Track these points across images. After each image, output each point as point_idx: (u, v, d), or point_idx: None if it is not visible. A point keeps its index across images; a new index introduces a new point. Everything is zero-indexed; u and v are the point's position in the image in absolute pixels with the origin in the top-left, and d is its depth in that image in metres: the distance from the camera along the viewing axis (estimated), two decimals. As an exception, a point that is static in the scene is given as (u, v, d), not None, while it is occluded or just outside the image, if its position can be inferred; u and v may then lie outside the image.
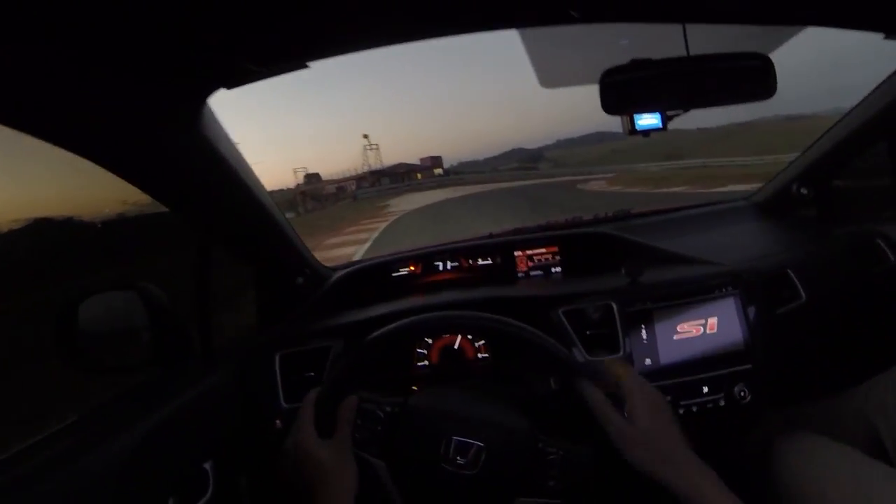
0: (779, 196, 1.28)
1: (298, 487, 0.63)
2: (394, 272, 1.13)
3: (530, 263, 1.15)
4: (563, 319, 0.88)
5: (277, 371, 0.88)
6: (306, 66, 0.68)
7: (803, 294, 0.98)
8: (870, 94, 1.09)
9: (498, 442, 0.66)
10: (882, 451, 0.85)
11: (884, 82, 1.05)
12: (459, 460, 0.66)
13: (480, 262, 1.15)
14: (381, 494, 0.67)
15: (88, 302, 0.84)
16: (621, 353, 0.86)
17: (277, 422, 0.86)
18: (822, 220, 1.24)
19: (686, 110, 0.78)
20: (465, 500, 0.67)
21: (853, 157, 1.19)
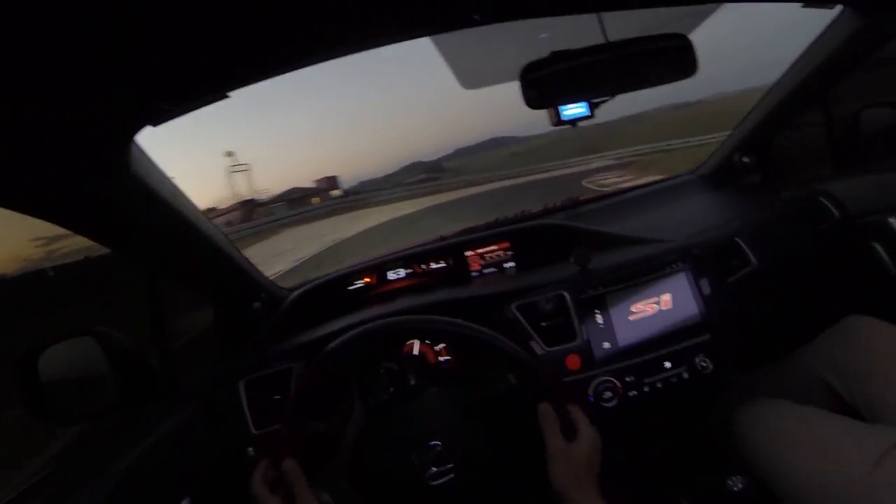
0: (723, 167, 1.31)
1: None
2: (349, 285, 1.13)
3: (483, 262, 1.16)
4: (518, 314, 0.89)
5: (243, 398, 0.87)
6: (227, 97, 0.68)
7: (754, 260, 1.00)
8: (797, 60, 1.13)
9: (473, 469, 0.70)
10: (839, 404, 0.89)
11: (808, 48, 1.09)
12: (432, 467, 0.67)
13: (434, 265, 1.15)
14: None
15: (48, 353, 0.84)
16: (578, 339, 0.87)
17: (249, 449, 0.86)
18: (766, 185, 1.28)
19: (613, 96, 0.80)
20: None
21: (789, 121, 1.23)
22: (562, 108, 0.75)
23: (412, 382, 0.89)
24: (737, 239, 1.02)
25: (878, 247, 1.17)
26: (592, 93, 0.76)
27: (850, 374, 0.88)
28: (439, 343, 0.94)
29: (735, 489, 0.87)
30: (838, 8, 0.96)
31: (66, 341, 0.85)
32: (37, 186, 0.59)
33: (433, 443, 0.71)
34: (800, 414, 0.84)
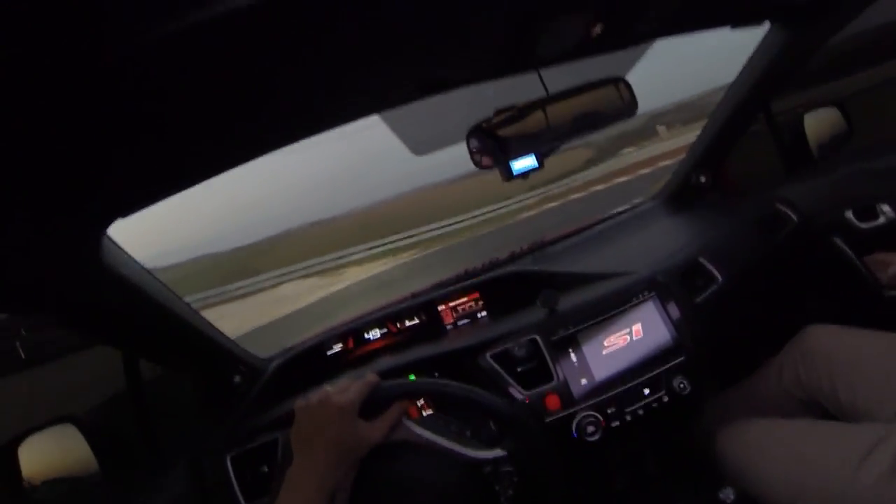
0: (681, 189, 1.35)
1: (312, 432, 0.63)
2: (328, 350, 1.14)
3: (455, 314, 1.18)
4: (493, 363, 0.91)
5: (231, 473, 0.86)
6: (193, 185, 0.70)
7: (718, 276, 1.03)
8: (738, 77, 1.18)
9: None
10: (814, 416, 0.91)
11: (746, 64, 1.15)
12: None
13: (408, 322, 1.17)
14: None
15: (27, 443, 0.83)
16: (555, 380, 0.89)
17: None
18: (724, 201, 1.32)
19: (562, 144, 0.83)
20: None
21: (738, 135, 1.28)
22: (511, 163, 0.77)
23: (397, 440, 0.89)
24: (700, 259, 1.05)
25: (839, 241, 1.21)
26: (540, 145, 0.79)
27: (815, 387, 0.90)
28: (422, 400, 0.95)
29: (727, 501, 0.89)
30: (767, 24, 1.01)
31: (46, 430, 0.85)
32: (13, 284, 0.60)
33: None
34: (776, 428, 0.85)
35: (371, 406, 0.66)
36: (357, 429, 0.63)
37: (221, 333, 0.96)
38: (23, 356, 1.35)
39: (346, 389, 0.66)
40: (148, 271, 0.83)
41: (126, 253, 0.77)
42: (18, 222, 0.54)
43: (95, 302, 0.71)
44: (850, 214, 1.19)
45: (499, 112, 0.76)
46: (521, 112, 0.76)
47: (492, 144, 0.74)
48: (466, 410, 0.81)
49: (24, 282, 0.60)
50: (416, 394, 0.71)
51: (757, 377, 1.05)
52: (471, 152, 0.74)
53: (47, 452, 0.87)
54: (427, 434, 0.70)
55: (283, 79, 0.54)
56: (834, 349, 0.90)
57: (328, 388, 0.66)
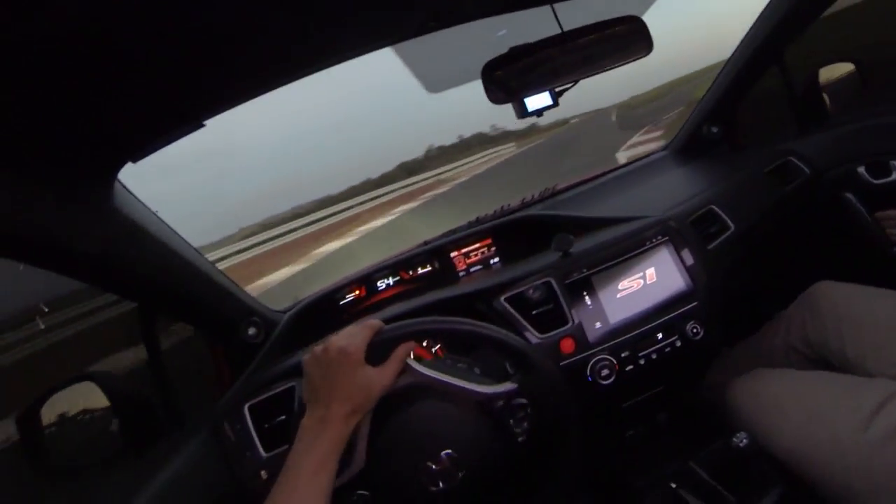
0: (692, 139, 1.34)
1: (321, 384, 0.62)
2: (341, 299, 1.14)
3: (468, 261, 1.17)
4: (507, 306, 0.91)
5: (249, 422, 0.87)
6: (203, 126, 0.69)
7: (731, 224, 1.03)
8: (752, 27, 1.16)
9: (478, 467, 0.69)
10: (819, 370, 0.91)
11: (761, 14, 1.13)
12: (438, 474, 0.68)
13: (420, 270, 1.16)
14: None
15: (50, 402, 0.83)
16: (570, 324, 0.89)
17: (262, 473, 0.86)
18: (736, 152, 1.31)
19: (575, 82, 0.82)
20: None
21: (750, 86, 1.26)
22: (526, 99, 0.76)
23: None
24: (712, 206, 1.05)
25: (851, 196, 1.21)
26: (554, 82, 0.77)
27: (822, 343, 0.90)
28: (435, 345, 0.95)
29: (741, 445, 0.90)
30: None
31: (66, 389, 0.85)
32: (22, 232, 0.59)
33: (445, 452, 0.69)
34: (788, 380, 0.86)
35: (377, 350, 0.65)
36: (364, 375, 0.62)
37: (236, 284, 0.96)
38: (42, 327, 1.36)
39: (350, 335, 0.65)
40: (161, 219, 0.82)
41: (139, 200, 0.77)
42: (26, 169, 0.54)
43: (108, 251, 0.70)
44: (862, 170, 1.18)
45: (513, 49, 0.74)
46: (536, 49, 0.75)
47: (507, 81, 0.73)
48: (478, 350, 0.82)
49: (35, 233, 0.59)
50: (423, 334, 0.71)
51: (765, 331, 1.06)
52: (486, 88, 0.72)
53: (69, 411, 0.87)
54: (436, 374, 0.69)
55: (290, 9, 0.52)
56: (842, 306, 0.90)
57: (333, 337, 0.65)
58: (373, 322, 0.67)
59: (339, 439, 0.60)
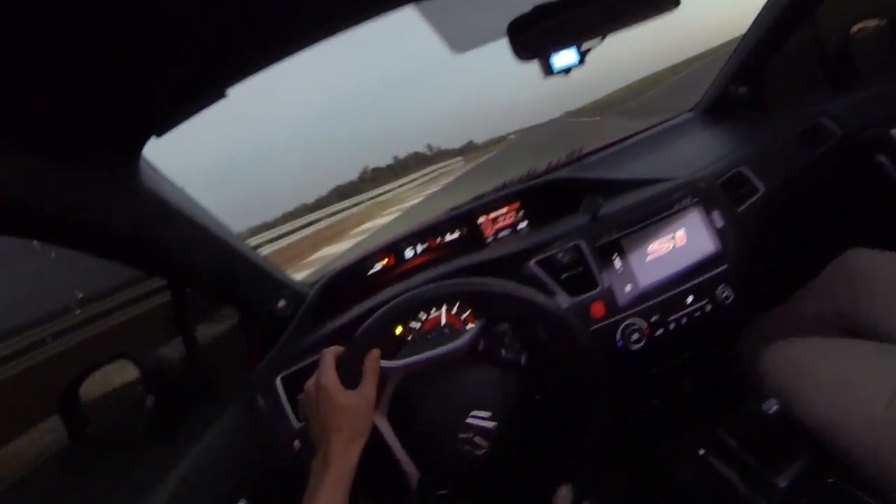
0: (719, 100, 1.30)
1: (316, 422, 0.65)
2: (369, 269, 1.14)
3: (496, 226, 1.16)
4: (537, 270, 0.90)
5: (281, 393, 0.89)
6: (225, 95, 0.68)
7: (760, 187, 1.01)
8: None
9: (509, 427, 0.70)
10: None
11: None
12: (475, 438, 0.69)
13: (448, 236, 1.16)
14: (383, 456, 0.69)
15: (89, 381, 0.84)
16: (600, 287, 0.88)
17: (295, 443, 0.87)
18: (764, 113, 1.27)
19: (602, 38, 0.80)
20: (468, 475, 0.70)
21: (780, 44, 1.21)
22: (552, 58, 0.74)
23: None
24: (741, 168, 1.02)
25: (884, 159, 1.16)
26: (581, 38, 0.75)
27: (852, 312, 0.87)
28: (465, 311, 0.94)
29: (770, 411, 0.88)
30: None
31: (103, 368, 0.87)
32: (51, 212, 0.59)
33: (475, 413, 0.71)
34: (821, 348, 0.84)
35: (348, 370, 0.66)
36: (346, 400, 0.64)
37: (265, 259, 0.97)
38: (78, 312, 1.40)
39: (321, 369, 0.66)
40: (189, 196, 0.83)
41: (165, 176, 0.77)
42: (52, 149, 0.54)
43: (137, 228, 0.70)
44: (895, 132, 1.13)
45: (539, 7, 0.73)
46: (561, 6, 0.73)
47: (532, 38, 0.71)
48: (513, 315, 0.81)
49: (64, 212, 0.59)
50: (458, 297, 0.72)
51: (796, 299, 1.03)
52: (512, 47, 0.71)
53: (106, 389, 0.90)
54: (413, 358, 0.72)
55: None
56: (874, 274, 0.87)
57: (310, 380, 0.67)
58: (328, 350, 0.69)
59: (346, 468, 0.62)
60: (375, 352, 0.69)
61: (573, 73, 0.77)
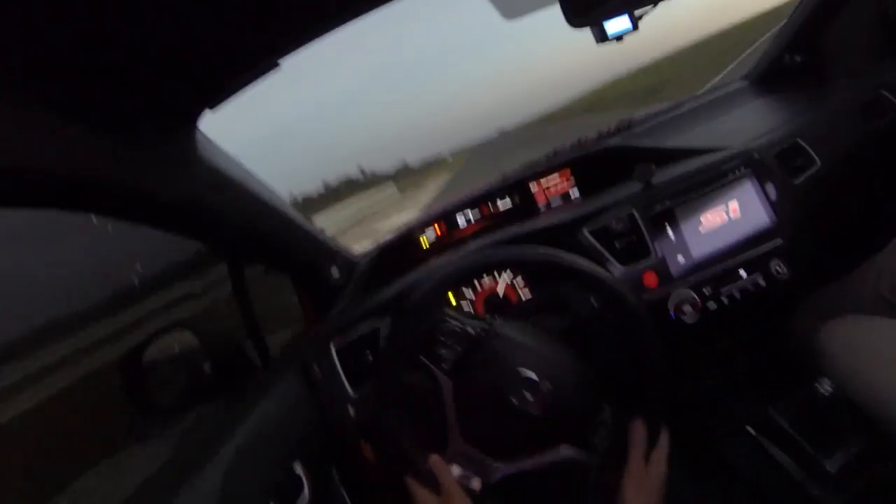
0: (773, 69, 1.25)
1: None
2: (420, 238, 1.15)
3: (548, 193, 1.15)
4: (590, 238, 0.90)
5: (336, 361, 0.91)
6: (277, 65, 0.70)
7: (817, 160, 0.97)
8: None
9: (566, 389, 0.71)
10: None
11: None
12: (528, 397, 0.69)
13: (500, 204, 1.15)
14: (437, 414, 0.71)
15: (151, 348, 0.87)
16: (653, 256, 0.87)
17: (350, 409, 0.90)
18: (821, 83, 1.21)
19: (655, 4, 0.78)
20: (518, 434, 0.71)
21: (837, 11, 1.15)
22: (605, 24, 0.73)
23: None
24: (798, 139, 0.98)
25: (949, 134, 1.09)
26: (634, 5, 0.74)
27: None
28: (515, 275, 0.95)
29: (825, 393, 0.85)
30: None
31: (164, 336, 0.92)
32: (111, 186, 0.59)
33: (528, 375, 0.71)
34: (882, 328, 0.81)
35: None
36: None
37: (319, 230, 0.99)
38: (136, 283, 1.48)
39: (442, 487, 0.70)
40: (245, 167, 0.85)
41: (221, 148, 0.78)
42: (108, 121, 0.55)
43: (194, 199, 0.71)
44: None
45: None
46: (614, -30, 0.71)
47: (585, 4, 0.70)
48: (567, 284, 0.81)
49: (123, 186, 0.59)
50: (516, 265, 0.72)
51: (854, 276, 0.99)
52: (564, 13, 0.70)
53: (168, 357, 0.94)
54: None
55: None
56: None
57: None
58: (440, 470, 0.71)
59: None
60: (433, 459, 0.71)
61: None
